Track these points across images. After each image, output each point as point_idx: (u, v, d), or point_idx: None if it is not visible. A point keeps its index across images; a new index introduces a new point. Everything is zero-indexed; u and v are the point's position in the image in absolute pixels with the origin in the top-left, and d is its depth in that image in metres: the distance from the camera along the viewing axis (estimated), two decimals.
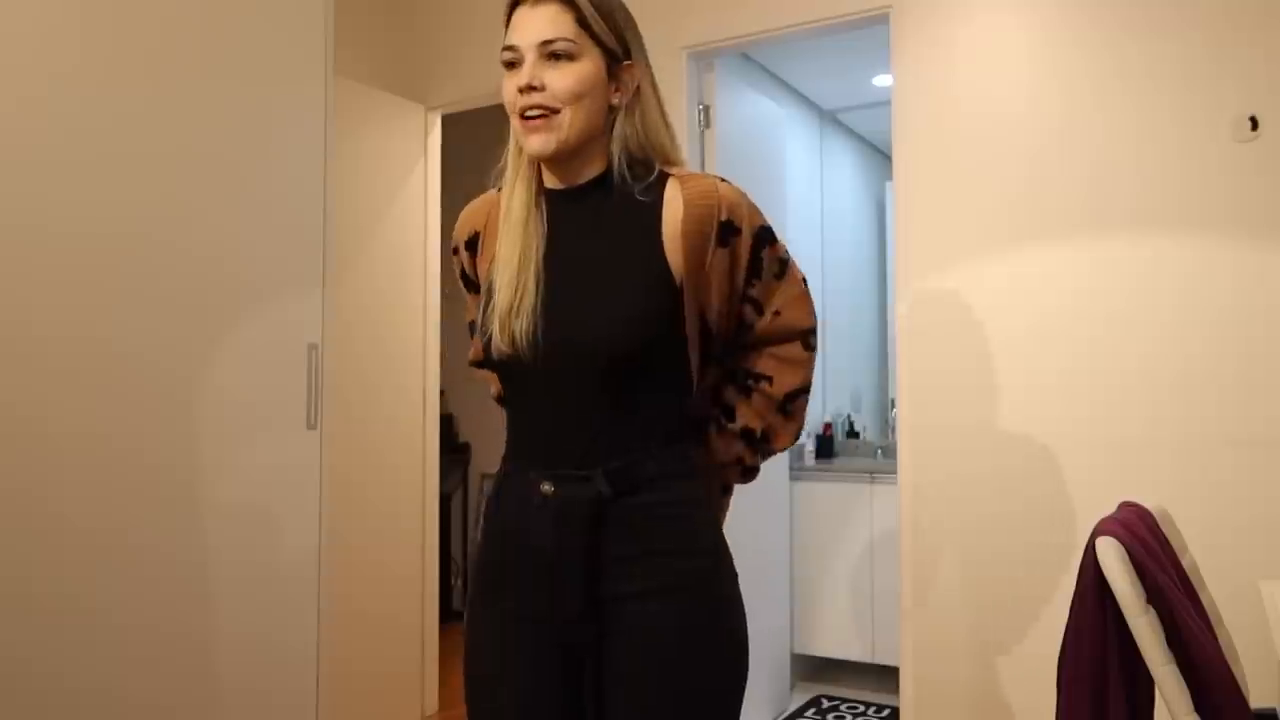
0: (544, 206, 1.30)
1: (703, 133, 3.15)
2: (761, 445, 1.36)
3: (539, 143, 1.24)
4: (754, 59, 3.91)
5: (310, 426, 2.35)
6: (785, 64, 4.07)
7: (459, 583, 4.82)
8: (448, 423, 4.56)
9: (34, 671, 1.82)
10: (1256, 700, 1.79)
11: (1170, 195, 2.38)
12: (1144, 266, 2.40)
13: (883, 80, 4.16)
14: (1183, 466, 2.33)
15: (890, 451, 4.18)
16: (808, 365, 1.35)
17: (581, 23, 1.24)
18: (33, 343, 1.85)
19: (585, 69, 1.24)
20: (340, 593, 2.65)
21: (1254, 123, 2.28)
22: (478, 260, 1.37)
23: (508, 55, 1.25)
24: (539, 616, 1.27)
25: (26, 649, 1.81)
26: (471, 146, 4.75)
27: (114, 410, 1.97)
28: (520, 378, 1.30)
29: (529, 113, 1.23)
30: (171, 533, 2.06)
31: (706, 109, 3.15)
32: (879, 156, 5.09)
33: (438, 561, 3.64)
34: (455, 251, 1.43)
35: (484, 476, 4.91)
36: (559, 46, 1.22)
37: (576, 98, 1.23)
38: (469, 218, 1.41)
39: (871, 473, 3.88)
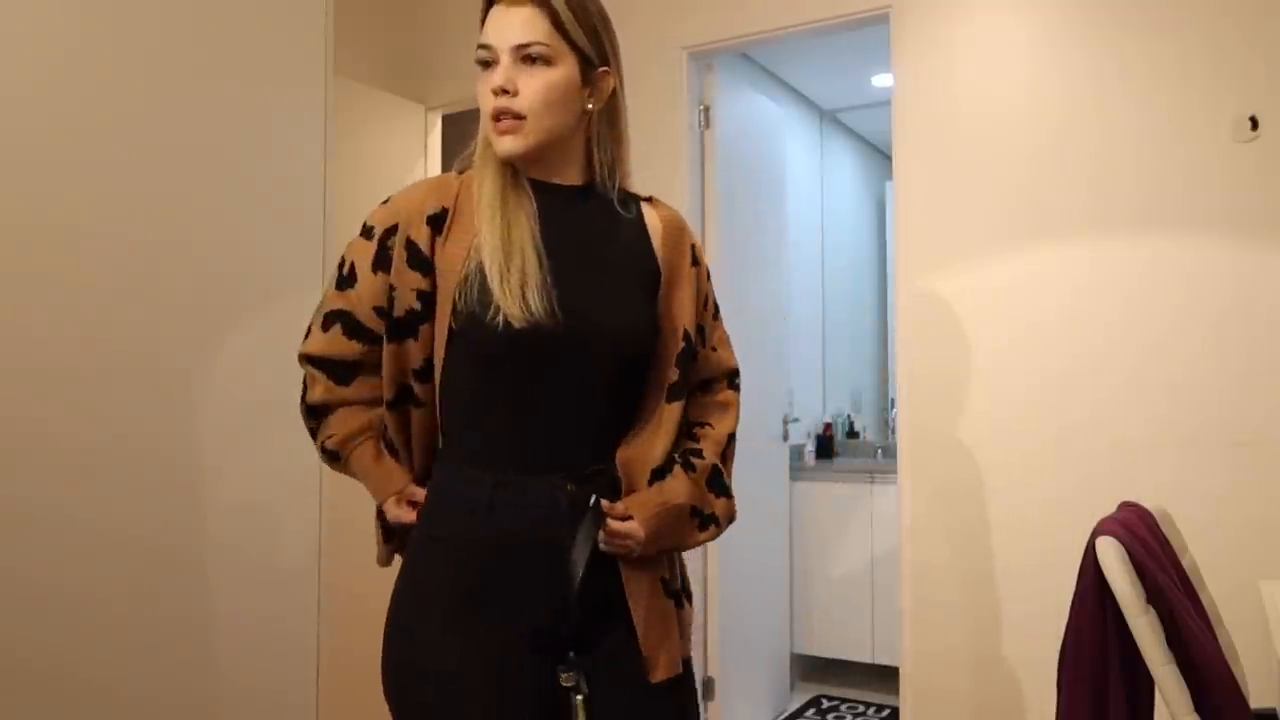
0: (530, 194, 1.27)
1: (703, 133, 3.15)
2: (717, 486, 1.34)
3: (507, 145, 1.23)
4: (754, 59, 3.91)
5: None
6: (785, 64, 4.07)
7: None
8: None
9: (35, 668, 1.82)
10: (1256, 700, 1.79)
11: (1170, 195, 2.38)
12: (1144, 266, 2.40)
13: (883, 80, 4.16)
14: (1183, 467, 2.33)
15: (890, 451, 4.18)
16: (738, 408, 1.40)
17: (557, 26, 1.22)
18: (34, 342, 1.85)
19: (558, 74, 1.22)
20: (340, 590, 2.64)
21: (1254, 123, 2.28)
22: (438, 241, 1.25)
23: (482, 54, 1.24)
24: (549, 632, 1.19)
25: (28, 645, 1.81)
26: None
27: (115, 409, 1.97)
28: (528, 359, 1.21)
29: (500, 114, 1.22)
30: (173, 531, 2.06)
31: (706, 109, 3.15)
32: (879, 156, 5.09)
33: None
34: (392, 229, 1.28)
35: None
36: (534, 50, 1.21)
37: (547, 104, 1.22)
38: (431, 192, 1.29)
39: (871, 473, 3.88)
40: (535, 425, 1.23)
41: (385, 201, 1.33)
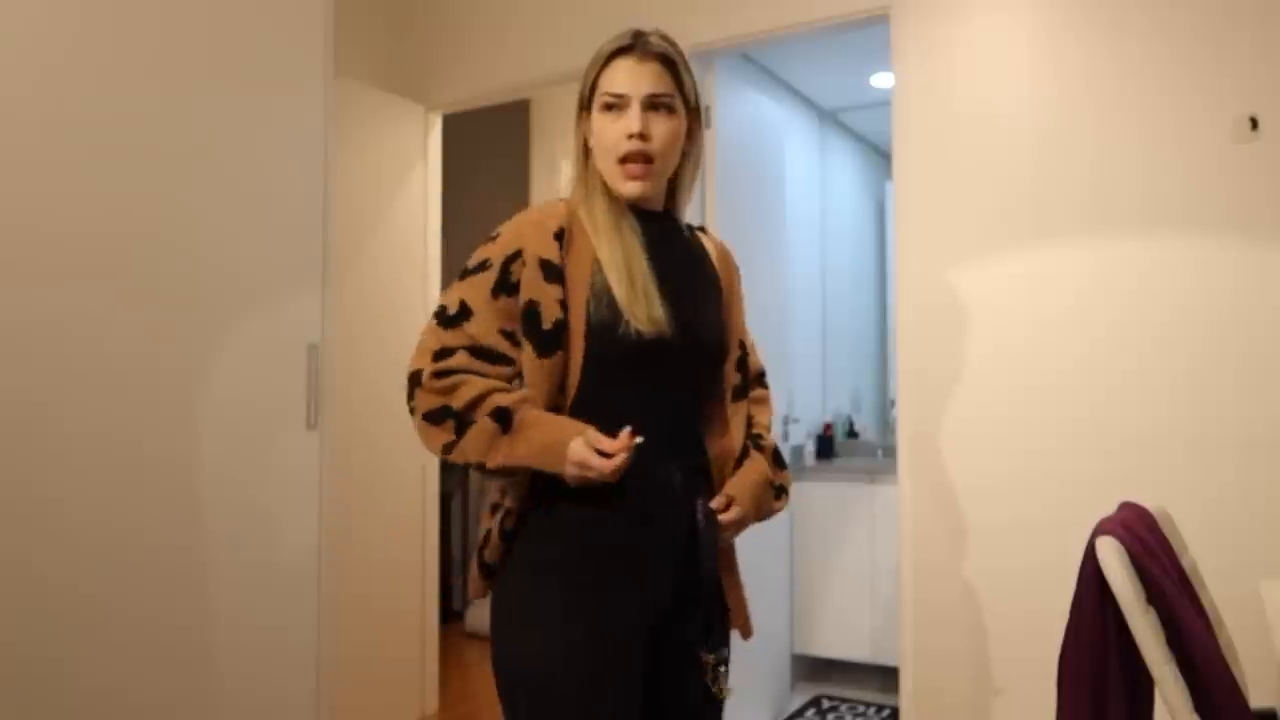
0: (632, 215, 1.44)
1: (703, 133, 3.14)
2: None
3: (637, 189, 1.41)
4: (754, 59, 3.91)
5: (310, 426, 2.35)
6: (785, 64, 4.07)
7: (459, 582, 4.82)
8: None
9: (36, 669, 1.82)
10: (1256, 700, 1.79)
11: (1170, 195, 2.38)
12: (1144, 267, 2.40)
13: (883, 80, 4.16)
14: (1183, 467, 2.33)
15: (890, 451, 4.18)
16: (771, 402, 1.66)
17: (677, 81, 1.43)
18: (35, 342, 1.86)
19: (678, 124, 1.43)
20: (340, 592, 2.65)
21: (1254, 123, 2.28)
22: (564, 254, 1.37)
23: (611, 100, 1.40)
24: (660, 603, 1.38)
25: (28, 647, 1.81)
26: (471, 146, 4.77)
27: (115, 410, 1.97)
28: (651, 363, 1.37)
29: (631, 158, 1.39)
30: (172, 532, 2.06)
31: (707, 109, 3.15)
32: (879, 156, 5.09)
33: (438, 561, 3.64)
34: (515, 255, 1.37)
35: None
36: (663, 101, 1.41)
37: (670, 149, 1.42)
38: (548, 215, 1.40)
39: (871, 473, 3.88)
40: (654, 423, 1.34)
41: (493, 238, 1.41)
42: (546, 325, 1.34)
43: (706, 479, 1.46)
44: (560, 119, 4.60)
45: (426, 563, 3.56)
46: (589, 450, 1.27)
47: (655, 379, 1.40)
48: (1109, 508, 1.73)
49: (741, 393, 1.52)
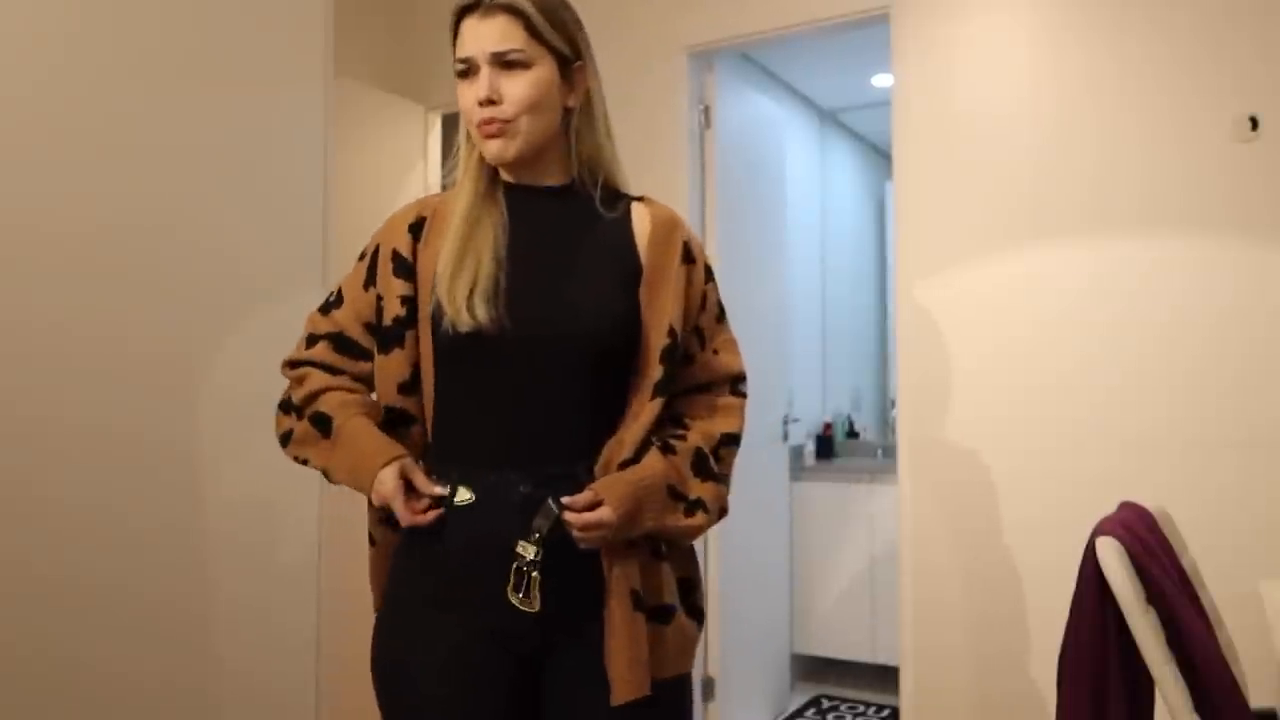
0: (502, 200, 1.30)
1: (703, 133, 3.15)
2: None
3: (498, 148, 1.26)
4: (754, 59, 3.91)
5: None
6: (785, 64, 4.07)
7: None
8: None
9: (36, 662, 1.82)
10: (1256, 700, 1.79)
11: (1170, 195, 2.38)
12: (1144, 266, 2.40)
13: (883, 80, 4.16)
14: (1183, 467, 2.33)
15: (890, 451, 4.18)
16: (741, 411, 1.35)
17: (531, 31, 1.24)
18: (36, 341, 1.86)
19: (538, 76, 1.25)
20: (340, 587, 2.64)
21: (1254, 123, 2.28)
22: (419, 247, 1.31)
23: (460, 67, 1.26)
24: (503, 628, 1.21)
25: (28, 640, 1.81)
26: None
27: (117, 408, 1.97)
28: (481, 362, 1.24)
29: (485, 122, 1.24)
30: (173, 528, 2.07)
31: (706, 109, 3.15)
32: (879, 156, 5.09)
33: None
34: (378, 248, 1.34)
35: None
36: (511, 56, 1.23)
37: (532, 106, 1.24)
38: (416, 205, 1.36)
39: (871, 473, 3.88)
40: (494, 426, 1.24)
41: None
42: (386, 321, 1.29)
43: (578, 489, 1.20)
44: None
45: None
46: (396, 489, 1.20)
47: (490, 377, 1.24)
48: (1109, 508, 1.73)
49: (661, 390, 1.25)
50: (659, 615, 1.23)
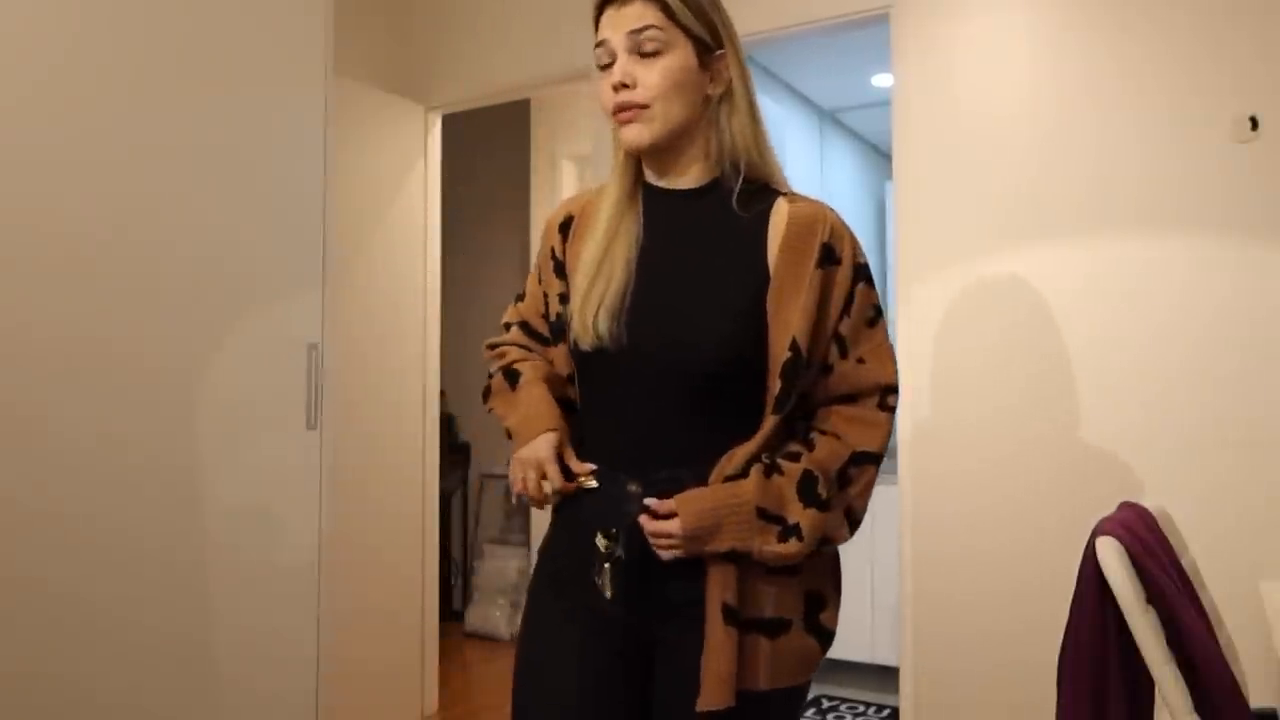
0: (642, 204, 1.30)
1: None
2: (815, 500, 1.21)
3: (633, 135, 1.25)
4: (754, 59, 3.90)
5: (310, 426, 2.35)
6: (785, 64, 4.07)
7: (459, 582, 4.82)
8: (448, 423, 4.56)
9: (34, 670, 1.82)
10: (1256, 700, 1.79)
11: (1170, 195, 2.38)
12: (1144, 266, 2.40)
13: (883, 80, 4.16)
14: (1182, 466, 2.33)
15: (890, 451, 4.17)
16: (884, 427, 1.26)
17: (668, 13, 1.22)
18: (34, 343, 1.85)
19: (674, 61, 1.23)
20: (340, 592, 2.64)
21: (1254, 123, 2.28)
22: (567, 245, 1.36)
23: (600, 54, 1.26)
24: (612, 613, 1.27)
25: (27, 648, 1.81)
26: (471, 146, 4.76)
27: (115, 410, 1.97)
28: (604, 374, 1.28)
29: (620, 108, 1.24)
30: (172, 532, 2.06)
31: None
32: (879, 156, 5.09)
33: (438, 561, 3.64)
34: (547, 235, 1.41)
35: (483, 476, 4.92)
36: (648, 36, 1.21)
37: (668, 91, 1.23)
38: (567, 203, 1.41)
39: None
40: (613, 428, 1.29)
41: None
42: (551, 318, 1.37)
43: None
44: (561, 119, 4.60)
45: (426, 562, 3.56)
46: (550, 456, 1.26)
47: (616, 386, 1.26)
48: (1109, 507, 1.73)
49: (780, 406, 1.21)
50: (766, 627, 1.22)
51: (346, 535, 3.04)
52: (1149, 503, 1.77)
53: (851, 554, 4.16)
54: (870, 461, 1.25)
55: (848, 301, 1.25)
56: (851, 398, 1.27)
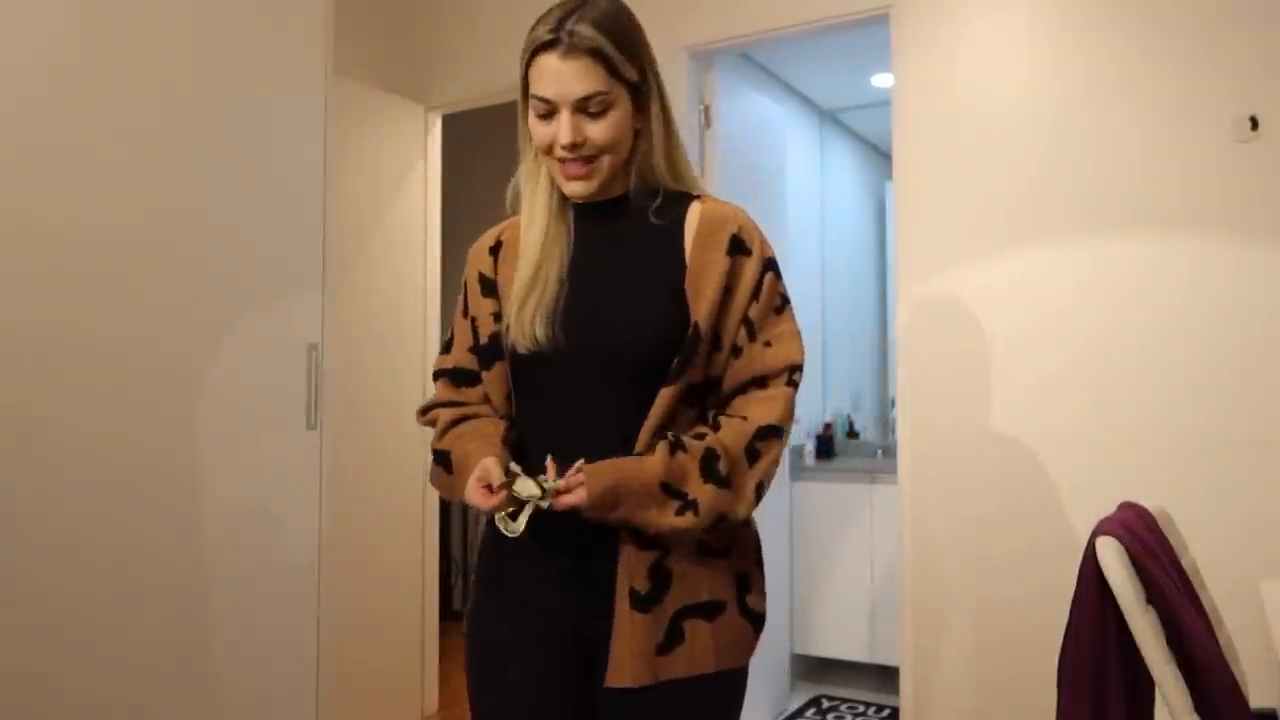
0: (570, 220, 1.36)
1: (703, 133, 3.15)
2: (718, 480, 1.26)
3: (581, 189, 1.31)
4: (754, 59, 3.91)
5: (310, 426, 2.35)
6: (785, 64, 4.07)
7: (459, 582, 4.82)
8: None
9: (34, 670, 1.82)
10: (1256, 700, 1.79)
11: (1170, 195, 2.38)
12: (1144, 266, 2.40)
13: (883, 80, 4.16)
14: (1182, 466, 2.33)
15: (890, 451, 4.18)
16: (786, 401, 1.32)
17: (612, 72, 1.26)
18: (34, 343, 1.85)
19: (618, 114, 1.28)
20: (340, 592, 2.64)
21: (1254, 123, 2.28)
22: (499, 265, 1.41)
23: (541, 108, 1.28)
24: (550, 610, 1.32)
25: (27, 648, 1.81)
26: (471, 146, 4.76)
27: (114, 411, 1.97)
28: (542, 375, 1.33)
29: (568, 161, 1.28)
30: (172, 533, 2.06)
31: (706, 109, 3.15)
32: (879, 156, 5.09)
33: (438, 561, 3.64)
34: (474, 261, 1.44)
35: None
36: (596, 102, 1.26)
37: (615, 143, 1.29)
38: (494, 231, 1.45)
39: (871, 473, 3.88)
40: (553, 428, 1.33)
41: None
42: (483, 340, 1.39)
43: None
44: None
45: (426, 562, 3.56)
46: (476, 490, 1.26)
47: (557, 388, 1.31)
48: (1109, 507, 1.73)
49: (674, 378, 1.27)
50: (703, 611, 1.28)
51: (346, 535, 3.04)
52: (1149, 503, 1.77)
53: (852, 554, 4.18)
54: (774, 435, 1.30)
55: (757, 288, 1.32)
56: (761, 381, 1.32)
